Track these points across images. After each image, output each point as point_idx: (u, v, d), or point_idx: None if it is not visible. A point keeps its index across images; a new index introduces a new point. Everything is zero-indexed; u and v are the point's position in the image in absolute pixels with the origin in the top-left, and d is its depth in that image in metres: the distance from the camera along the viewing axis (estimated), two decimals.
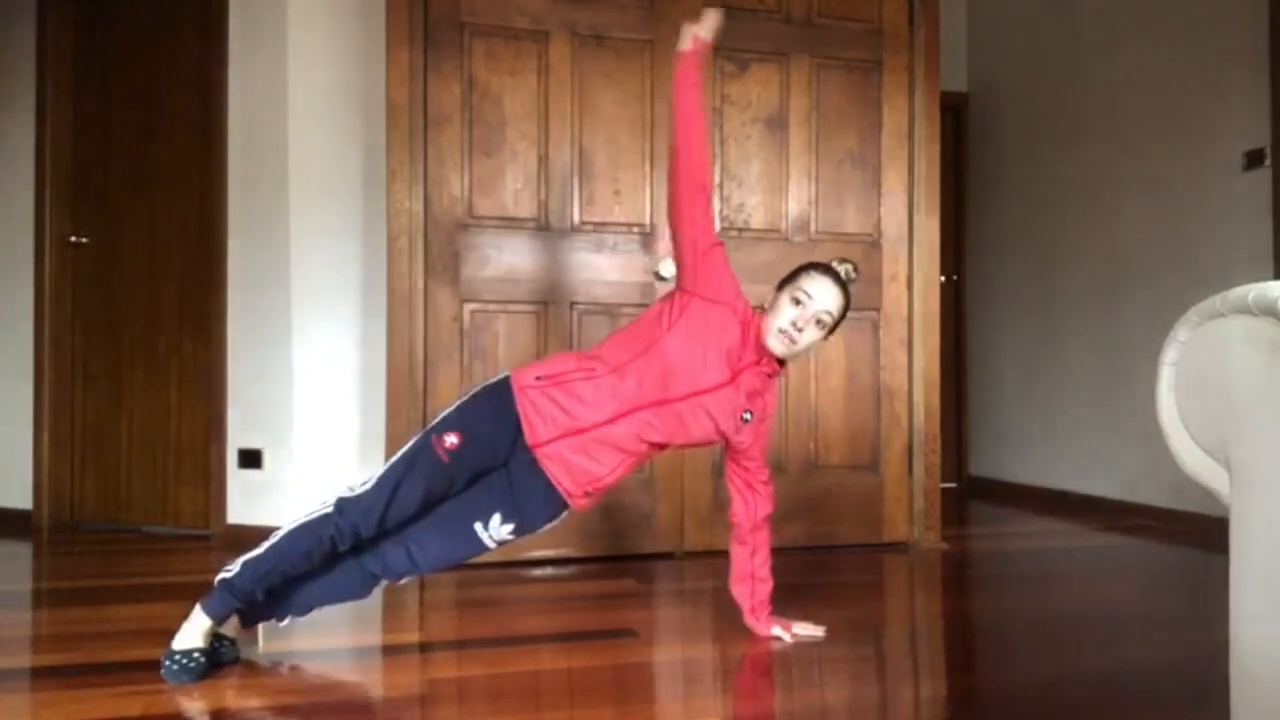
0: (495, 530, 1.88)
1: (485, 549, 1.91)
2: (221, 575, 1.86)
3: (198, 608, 1.82)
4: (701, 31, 1.97)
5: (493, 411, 1.91)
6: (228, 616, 1.85)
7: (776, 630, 2.05)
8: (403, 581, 1.94)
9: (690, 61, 1.97)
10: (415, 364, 2.77)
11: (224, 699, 1.70)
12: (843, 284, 1.98)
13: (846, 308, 1.99)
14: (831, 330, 1.98)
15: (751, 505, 2.07)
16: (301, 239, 3.17)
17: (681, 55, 1.97)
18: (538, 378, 1.91)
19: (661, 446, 1.97)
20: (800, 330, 1.91)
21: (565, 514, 1.96)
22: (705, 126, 2.01)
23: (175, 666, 1.76)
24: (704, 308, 1.94)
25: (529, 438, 1.88)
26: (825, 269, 1.99)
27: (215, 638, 1.84)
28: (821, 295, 1.93)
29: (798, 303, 1.93)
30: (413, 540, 1.88)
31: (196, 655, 1.78)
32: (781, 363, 2.00)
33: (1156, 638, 2.09)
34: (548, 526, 1.97)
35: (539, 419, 1.88)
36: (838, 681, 1.82)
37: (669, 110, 2.95)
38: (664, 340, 1.92)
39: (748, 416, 1.96)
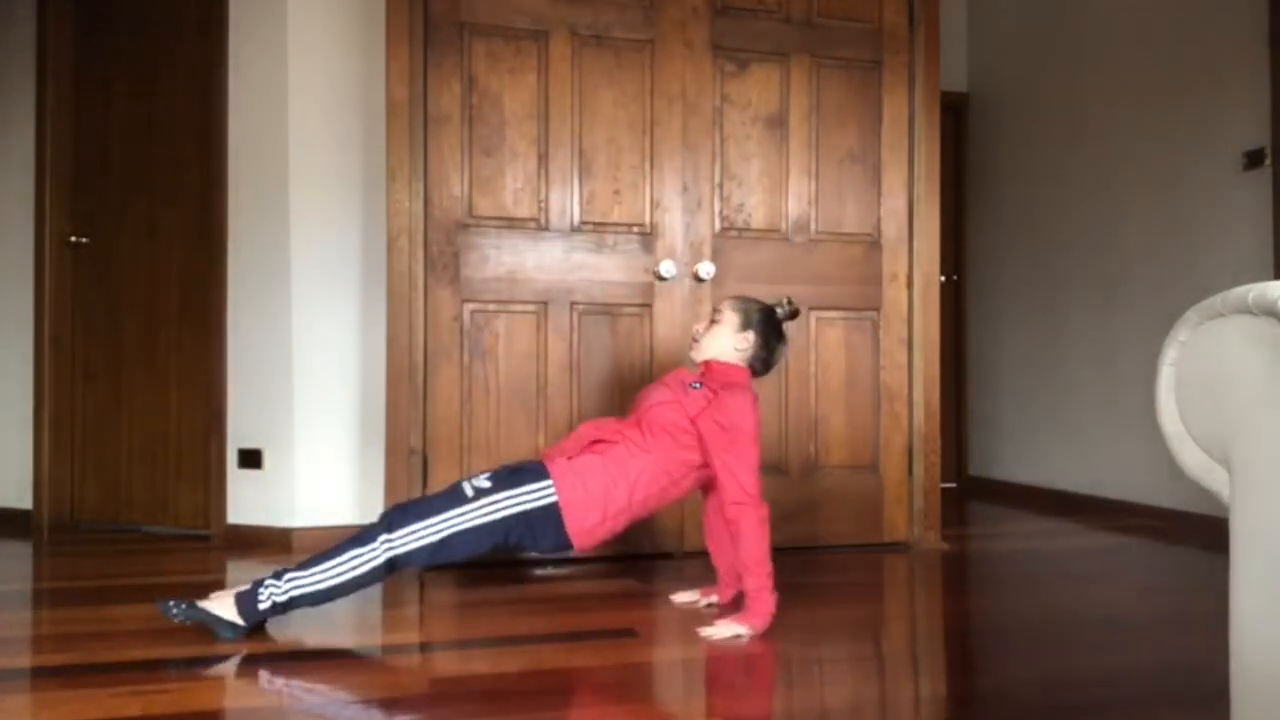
0: (476, 480, 2.08)
1: (464, 497, 2.04)
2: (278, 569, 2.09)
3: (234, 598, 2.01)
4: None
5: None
6: (259, 616, 2.00)
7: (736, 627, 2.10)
8: (400, 539, 1.98)
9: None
10: (415, 364, 2.77)
11: (224, 699, 1.70)
12: (747, 298, 2.32)
13: (749, 306, 2.27)
14: (746, 324, 2.23)
15: (719, 498, 2.19)
16: (301, 239, 3.17)
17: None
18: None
19: (644, 423, 2.16)
20: (698, 332, 2.29)
21: (543, 490, 2.05)
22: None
23: (179, 608, 1.99)
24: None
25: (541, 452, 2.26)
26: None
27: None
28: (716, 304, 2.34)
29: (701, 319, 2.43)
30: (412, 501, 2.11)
31: (185, 604, 2.00)
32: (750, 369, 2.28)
33: (1156, 638, 2.09)
34: (515, 491, 2.04)
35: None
36: (838, 681, 1.82)
37: (668, 112, 2.97)
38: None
39: (696, 385, 2.19)
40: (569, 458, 2.12)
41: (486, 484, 2.06)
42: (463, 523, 2.01)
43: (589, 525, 2.09)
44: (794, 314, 2.35)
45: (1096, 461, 3.93)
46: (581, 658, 1.93)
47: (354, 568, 1.97)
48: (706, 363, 2.25)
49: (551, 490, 2.06)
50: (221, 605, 1.99)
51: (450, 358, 2.81)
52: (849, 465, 3.13)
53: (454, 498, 2.04)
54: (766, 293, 2.71)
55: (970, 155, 4.82)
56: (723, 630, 2.05)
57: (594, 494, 2.08)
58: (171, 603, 2.00)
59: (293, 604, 1.98)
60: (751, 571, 2.07)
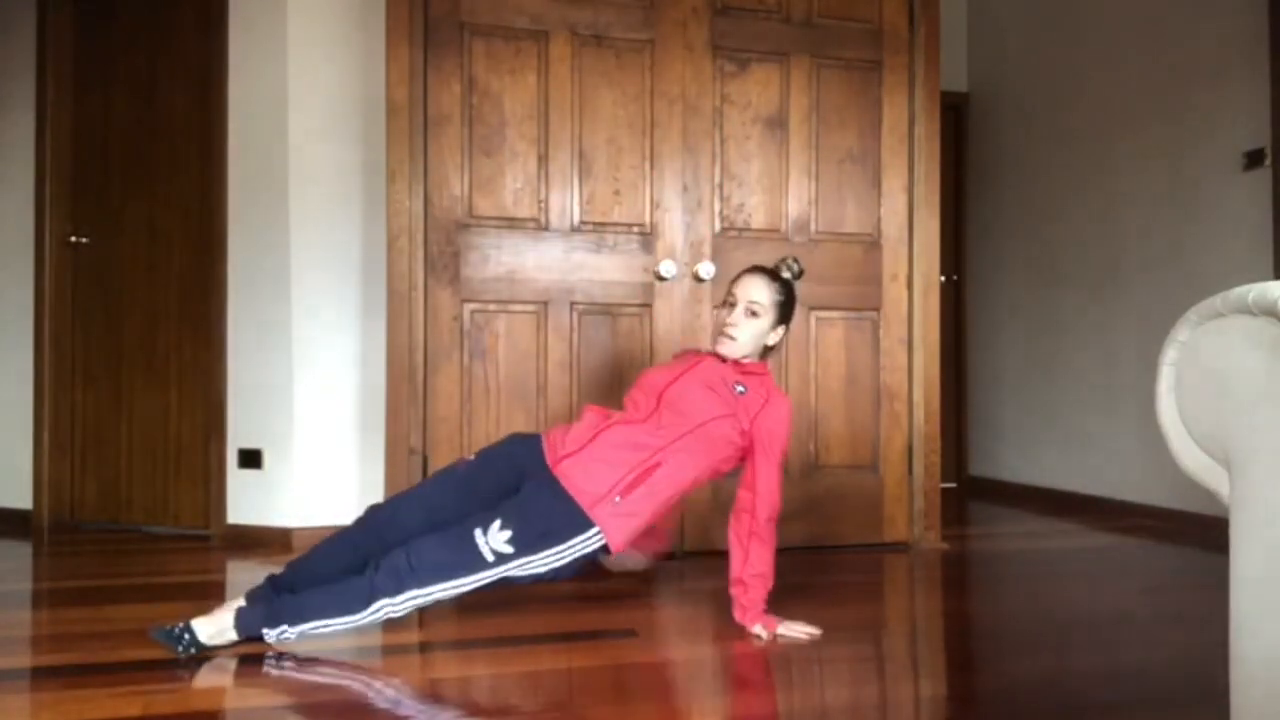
0: (493, 537, 1.86)
1: (483, 561, 1.86)
2: (270, 573, 2.03)
3: (232, 612, 1.91)
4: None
5: (518, 447, 2.10)
6: (254, 624, 1.90)
7: (757, 628, 2.05)
8: (403, 603, 1.86)
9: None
10: (415, 364, 2.78)
11: (224, 699, 1.70)
12: (772, 274, 2.12)
13: (785, 292, 2.12)
14: (781, 318, 2.11)
15: (752, 504, 2.07)
16: (301, 239, 3.17)
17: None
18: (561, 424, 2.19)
19: (691, 438, 2.00)
20: (734, 326, 2.07)
21: (593, 536, 1.91)
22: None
23: (174, 632, 1.87)
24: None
25: (549, 457, 2.01)
26: (752, 268, 2.15)
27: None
28: (745, 290, 2.09)
29: (728, 305, 2.11)
30: (414, 544, 1.89)
31: (187, 640, 1.87)
32: (763, 359, 2.17)
33: (1156, 638, 2.09)
34: (549, 552, 1.88)
35: (560, 439, 2.05)
36: (838, 681, 1.82)
37: (668, 112, 2.97)
38: (642, 373, 2.19)
39: (742, 388, 2.06)
40: (621, 495, 1.92)
41: (508, 548, 1.85)
42: (478, 584, 1.88)
43: (630, 546, 2.04)
44: (801, 273, 2.21)
45: (1096, 461, 3.93)
46: (581, 658, 1.92)
47: (350, 626, 1.88)
48: (737, 361, 2.09)
49: (599, 538, 1.91)
50: (220, 630, 1.90)
51: (450, 358, 2.81)
52: (849, 465, 3.13)
53: (467, 556, 1.85)
54: None
55: (970, 155, 4.82)
56: (793, 629, 2.05)
57: (646, 523, 2.00)
58: (179, 645, 1.88)
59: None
60: (771, 576, 2.09)
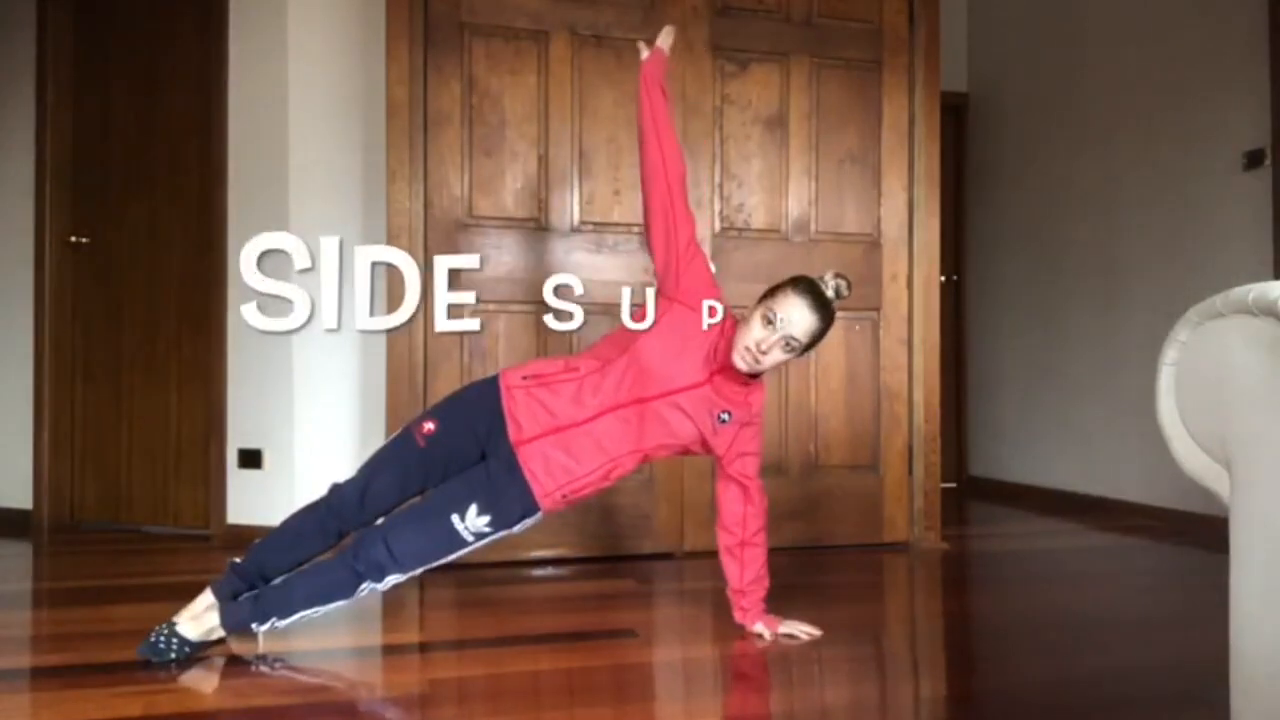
0: (472, 522, 1.89)
1: (464, 543, 1.90)
2: (231, 560, 1.99)
3: (214, 607, 1.89)
4: (660, 42, 2.05)
5: (476, 406, 2.00)
6: (243, 620, 1.87)
7: (758, 628, 2.04)
8: (387, 585, 1.88)
9: (650, 66, 2.03)
10: (415, 364, 2.77)
11: (224, 699, 1.70)
12: (822, 305, 1.93)
13: (825, 328, 1.94)
14: (805, 350, 1.96)
15: (743, 515, 2.05)
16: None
17: (643, 64, 2.04)
18: (524, 377, 2.00)
19: (646, 453, 1.99)
20: (764, 353, 1.89)
21: (539, 516, 1.96)
22: (672, 122, 2.06)
23: (159, 642, 1.84)
24: (684, 313, 1.98)
25: (513, 435, 1.94)
26: (806, 288, 1.93)
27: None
28: (793, 319, 1.89)
29: (768, 323, 1.90)
30: (391, 532, 1.89)
31: (177, 644, 1.85)
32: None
33: (1156, 638, 2.09)
34: (521, 526, 1.95)
35: (524, 416, 1.95)
36: (838, 681, 1.82)
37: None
38: (642, 341, 1.97)
39: (725, 417, 1.98)
40: (570, 493, 1.95)
41: (488, 529, 1.90)
42: (453, 557, 1.92)
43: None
44: (848, 294, 2.03)
45: (1096, 461, 3.93)
46: (581, 658, 1.93)
47: (337, 608, 1.90)
48: (745, 377, 1.98)
49: (541, 515, 1.99)
50: (207, 628, 1.89)
51: (450, 358, 2.81)
52: (849, 465, 3.13)
53: (448, 541, 1.89)
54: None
55: (970, 155, 4.82)
56: (794, 629, 2.04)
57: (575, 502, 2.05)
58: (172, 654, 1.87)
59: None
60: (768, 576, 2.08)
